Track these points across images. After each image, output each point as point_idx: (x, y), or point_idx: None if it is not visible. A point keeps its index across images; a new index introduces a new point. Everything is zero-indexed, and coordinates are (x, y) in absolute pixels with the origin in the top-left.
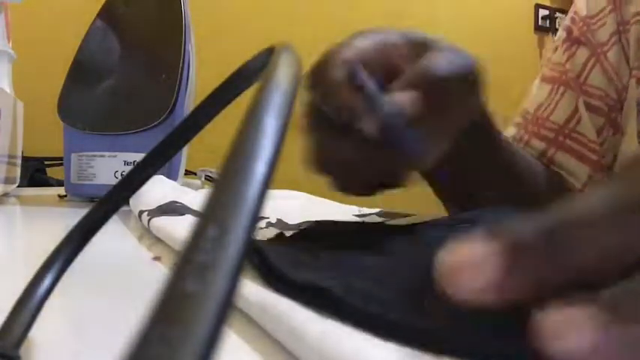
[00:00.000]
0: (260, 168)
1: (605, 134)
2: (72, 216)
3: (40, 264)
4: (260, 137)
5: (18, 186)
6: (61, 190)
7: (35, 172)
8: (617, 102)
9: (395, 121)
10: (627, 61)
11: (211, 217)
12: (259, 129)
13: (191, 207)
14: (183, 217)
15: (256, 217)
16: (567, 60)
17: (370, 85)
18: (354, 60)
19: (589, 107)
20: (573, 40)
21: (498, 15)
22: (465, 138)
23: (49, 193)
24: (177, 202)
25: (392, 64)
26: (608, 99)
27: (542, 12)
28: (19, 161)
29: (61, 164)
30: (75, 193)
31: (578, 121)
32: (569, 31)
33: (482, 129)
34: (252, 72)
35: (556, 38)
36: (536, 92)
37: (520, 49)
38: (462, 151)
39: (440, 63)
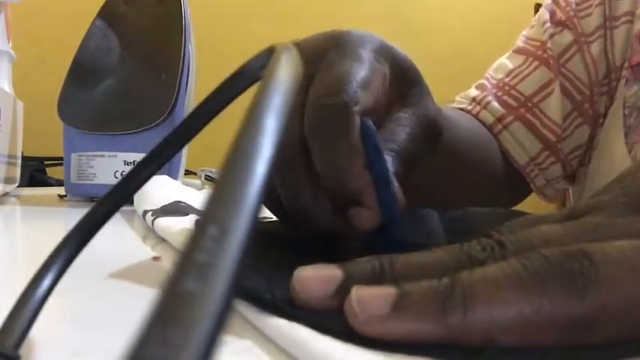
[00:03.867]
0: (260, 168)
1: (571, 121)
2: (72, 216)
3: (40, 264)
4: (260, 137)
5: (18, 186)
6: (61, 190)
7: (35, 172)
8: (590, 94)
9: (391, 206)
10: (607, 58)
11: (211, 217)
12: (259, 129)
13: (195, 207)
14: (187, 217)
15: (257, 216)
16: (550, 38)
17: (378, 154)
18: (365, 114)
19: (562, 90)
20: (557, 23)
21: (498, 15)
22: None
23: (49, 193)
24: (181, 202)
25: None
26: (583, 88)
27: None
28: (19, 161)
29: (61, 164)
30: (75, 193)
31: (546, 97)
32: (552, 13)
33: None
34: (253, 72)
35: (535, 18)
36: (507, 62)
37: None
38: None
39: (413, 129)
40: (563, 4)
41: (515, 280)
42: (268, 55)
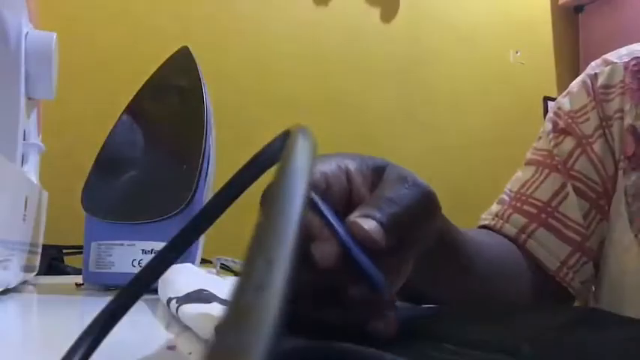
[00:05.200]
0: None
1: (591, 219)
2: (88, 305)
3: (55, 353)
4: (283, 224)
5: (36, 274)
6: (78, 279)
7: (53, 260)
8: (603, 190)
9: (353, 247)
10: (612, 153)
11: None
12: (281, 216)
13: (218, 295)
14: (210, 305)
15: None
16: (555, 147)
17: (328, 212)
18: (312, 188)
19: (576, 191)
20: (560, 131)
21: (508, 107)
22: (423, 254)
23: (66, 281)
24: (204, 290)
25: (351, 190)
26: (595, 186)
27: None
28: (39, 250)
29: (80, 252)
30: (92, 282)
31: (562, 200)
32: (554, 124)
33: (440, 241)
34: (270, 156)
35: (541, 130)
36: (520, 174)
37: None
38: (419, 263)
39: (400, 193)
40: (561, 113)
41: None
42: (284, 139)
